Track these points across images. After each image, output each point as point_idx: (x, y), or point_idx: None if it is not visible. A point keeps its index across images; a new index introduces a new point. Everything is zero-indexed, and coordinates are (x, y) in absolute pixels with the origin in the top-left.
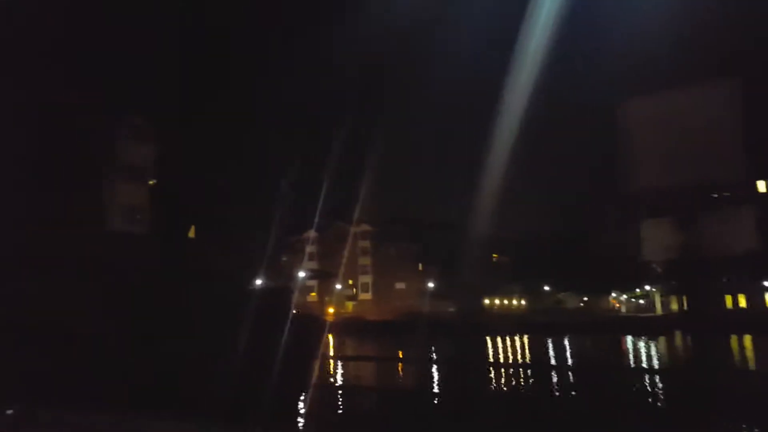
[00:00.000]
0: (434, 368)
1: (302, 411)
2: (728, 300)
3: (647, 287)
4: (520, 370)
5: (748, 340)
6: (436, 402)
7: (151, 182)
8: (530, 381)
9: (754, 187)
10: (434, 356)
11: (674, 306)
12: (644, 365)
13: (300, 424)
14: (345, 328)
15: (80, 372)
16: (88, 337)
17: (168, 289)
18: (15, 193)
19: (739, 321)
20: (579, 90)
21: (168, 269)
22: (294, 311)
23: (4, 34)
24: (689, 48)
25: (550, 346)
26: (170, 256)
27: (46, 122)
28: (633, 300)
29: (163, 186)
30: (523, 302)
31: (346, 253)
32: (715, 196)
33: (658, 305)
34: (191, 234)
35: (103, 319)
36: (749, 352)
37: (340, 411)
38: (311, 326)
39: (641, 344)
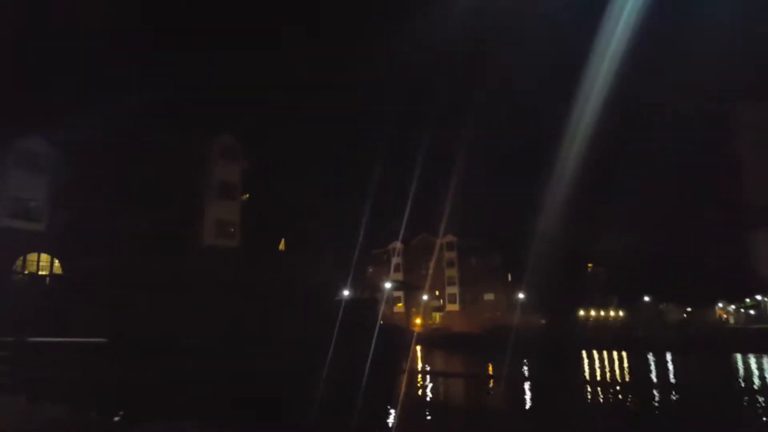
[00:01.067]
0: (526, 387)
1: (390, 426)
2: None
3: (758, 297)
4: (618, 389)
5: None
6: (527, 424)
7: (243, 197)
8: (628, 401)
9: None
10: (525, 374)
11: None
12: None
13: None
14: (432, 340)
15: (180, 384)
16: (188, 349)
17: (260, 302)
18: (117, 211)
19: None
20: (687, 94)
21: (259, 281)
22: (381, 322)
23: (102, 63)
24: None
25: (652, 364)
26: (261, 269)
27: (146, 143)
28: (742, 310)
29: (253, 201)
30: (620, 314)
31: (432, 264)
32: None
33: None
34: (281, 247)
35: (199, 332)
36: None
37: (427, 428)
38: (398, 337)
39: (754, 362)
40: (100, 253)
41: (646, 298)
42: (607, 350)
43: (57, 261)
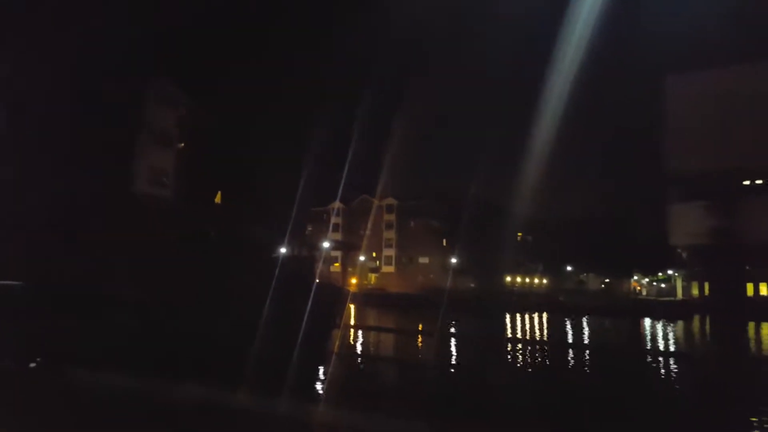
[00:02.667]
0: (453, 342)
1: (321, 378)
2: (750, 288)
3: (670, 271)
4: (537, 347)
5: (766, 327)
6: (453, 375)
7: (179, 146)
8: (546, 359)
9: None
10: (454, 331)
11: (695, 291)
12: (659, 348)
13: (319, 392)
14: (367, 299)
15: (106, 335)
16: (117, 300)
17: (193, 253)
18: (44, 155)
19: (760, 309)
20: (621, 65)
21: (193, 232)
22: (317, 280)
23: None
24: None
25: (569, 325)
26: (196, 220)
27: (74, 85)
28: (655, 284)
29: (190, 150)
30: (544, 281)
31: (370, 225)
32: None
33: (679, 290)
34: (217, 199)
35: (130, 283)
36: (766, 339)
37: (359, 380)
38: (333, 295)
39: (659, 327)
40: (23, 194)
41: (569, 268)
42: (530, 313)
43: None
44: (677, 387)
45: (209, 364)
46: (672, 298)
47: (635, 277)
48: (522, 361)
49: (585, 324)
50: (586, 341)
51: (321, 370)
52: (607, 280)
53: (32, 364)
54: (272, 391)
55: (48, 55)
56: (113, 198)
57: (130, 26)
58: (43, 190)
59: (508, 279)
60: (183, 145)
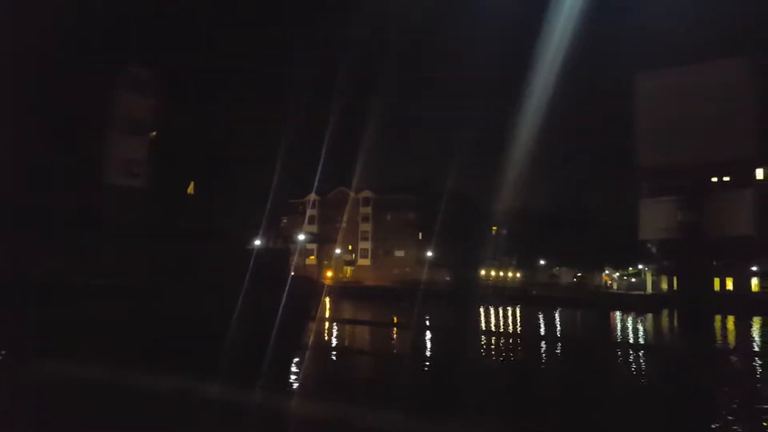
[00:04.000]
0: (427, 335)
1: (295, 370)
2: (716, 283)
3: (640, 266)
4: (510, 339)
5: (730, 321)
6: (425, 367)
7: (151, 135)
8: (518, 350)
9: (755, 173)
10: (428, 323)
11: (664, 286)
12: (628, 340)
13: (292, 383)
14: (342, 292)
15: (75, 324)
16: (84, 289)
17: (164, 244)
18: (14, 142)
19: (725, 303)
20: (594, 62)
21: (166, 223)
22: (292, 273)
23: None
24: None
25: (541, 318)
26: (169, 211)
27: (44, 69)
28: (625, 278)
29: (163, 140)
30: (518, 275)
31: (346, 218)
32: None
33: (649, 284)
34: (190, 190)
35: (98, 272)
36: (730, 333)
37: (332, 372)
38: (308, 288)
39: (629, 321)
40: None
41: (542, 262)
42: (503, 306)
43: None
44: (642, 379)
45: (181, 354)
46: (642, 292)
47: (606, 272)
48: (493, 352)
49: (556, 317)
50: (556, 334)
51: (295, 361)
52: (579, 274)
53: None
54: (245, 381)
55: (19, 33)
56: (82, 185)
57: (105, 9)
58: (12, 176)
59: (483, 272)
60: (155, 134)
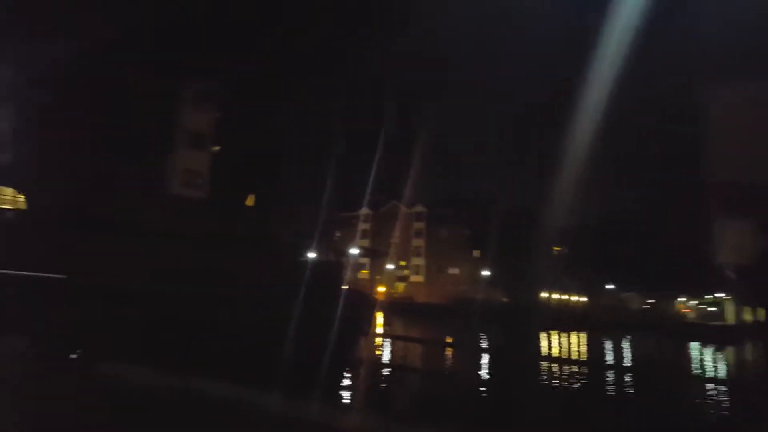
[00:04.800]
0: (483, 356)
1: (347, 384)
2: None
3: (719, 294)
4: (574, 366)
5: None
6: (481, 389)
7: (213, 148)
8: (583, 378)
9: None
10: (484, 344)
11: (748, 316)
12: (707, 373)
13: (344, 398)
14: (394, 307)
15: (140, 328)
16: (146, 295)
17: (221, 252)
18: (82, 156)
19: None
20: (662, 73)
21: (226, 234)
22: (345, 287)
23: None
24: None
25: (609, 345)
26: (228, 222)
27: (117, 81)
28: (702, 306)
29: (224, 153)
30: (583, 299)
31: (399, 233)
32: None
33: (730, 314)
34: (249, 202)
35: (163, 279)
36: None
37: (384, 388)
38: (361, 302)
39: (707, 352)
40: (64, 191)
41: (610, 286)
42: (566, 331)
43: (22, 196)
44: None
45: (236, 363)
46: (721, 323)
47: (681, 299)
48: (553, 379)
49: (624, 344)
50: (623, 362)
51: (347, 375)
52: (651, 301)
53: (73, 355)
54: (298, 394)
55: (88, 49)
56: (145, 195)
57: (168, 26)
58: (80, 189)
59: (543, 294)
60: (216, 147)
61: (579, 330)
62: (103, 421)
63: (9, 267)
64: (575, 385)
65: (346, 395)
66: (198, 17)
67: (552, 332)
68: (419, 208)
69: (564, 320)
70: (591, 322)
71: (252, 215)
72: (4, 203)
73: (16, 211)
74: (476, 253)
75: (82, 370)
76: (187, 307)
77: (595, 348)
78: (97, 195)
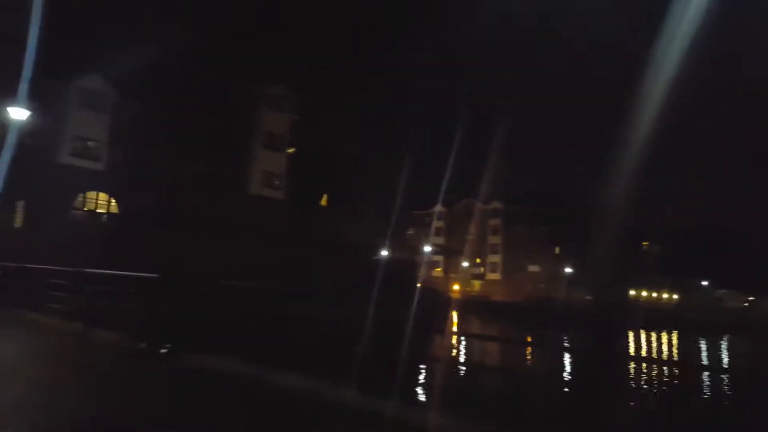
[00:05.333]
0: (566, 356)
1: (422, 382)
2: None
3: None
4: (665, 367)
5: None
6: (564, 390)
7: (289, 150)
8: (674, 380)
9: None
10: (566, 344)
11: None
12: None
13: (421, 395)
14: (470, 306)
15: (225, 323)
16: (234, 290)
17: (298, 251)
18: (171, 155)
19: None
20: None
21: (303, 233)
22: (419, 284)
23: (164, 7)
24: None
25: (703, 346)
26: (305, 221)
27: (200, 90)
28: None
29: (299, 155)
30: (674, 297)
31: (474, 230)
32: None
33: None
34: (323, 202)
35: (245, 275)
36: None
37: (461, 387)
38: (436, 300)
39: None
40: (154, 194)
41: (704, 282)
42: (655, 331)
43: (114, 200)
44: None
45: (314, 357)
46: None
47: None
48: (642, 380)
49: (721, 346)
50: (722, 364)
51: (423, 373)
52: (751, 299)
53: (163, 350)
54: (374, 390)
55: (174, 60)
56: (230, 198)
57: (248, 35)
58: (168, 192)
59: (632, 292)
60: (293, 149)
61: (669, 329)
62: (188, 409)
63: (104, 266)
64: (665, 388)
65: (421, 392)
66: (275, 25)
67: (640, 331)
68: (495, 205)
69: (653, 319)
70: (683, 321)
71: (327, 215)
72: (100, 208)
73: (110, 215)
74: (557, 250)
75: (172, 362)
76: (267, 303)
77: (687, 349)
78: (184, 197)
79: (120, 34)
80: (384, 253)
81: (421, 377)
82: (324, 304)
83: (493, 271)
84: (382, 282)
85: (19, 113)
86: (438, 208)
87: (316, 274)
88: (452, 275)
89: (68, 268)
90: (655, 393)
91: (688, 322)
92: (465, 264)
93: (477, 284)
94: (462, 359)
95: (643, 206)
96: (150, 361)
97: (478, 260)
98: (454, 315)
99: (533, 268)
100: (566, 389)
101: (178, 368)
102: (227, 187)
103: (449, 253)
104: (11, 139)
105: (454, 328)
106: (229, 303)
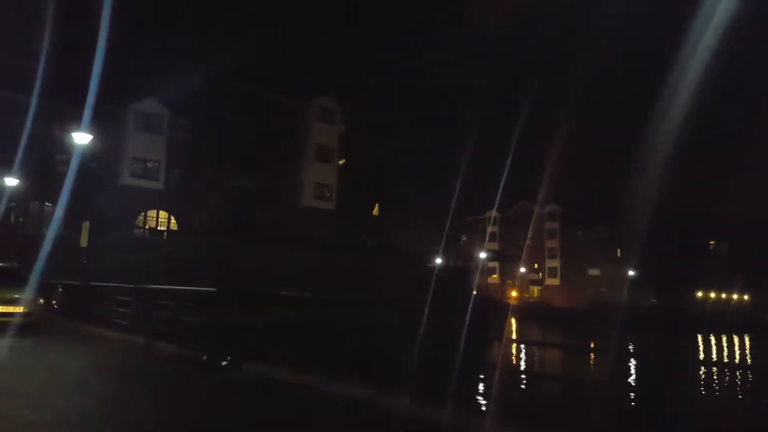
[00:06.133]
0: (631, 363)
1: (481, 391)
2: None
3: None
4: (737, 372)
5: None
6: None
7: (339, 162)
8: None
9: None
10: (631, 350)
11: None
12: None
13: (480, 404)
14: (529, 312)
15: (280, 332)
16: (289, 300)
17: (351, 260)
18: (225, 171)
19: None
20: None
21: (355, 242)
22: (475, 292)
23: (212, 27)
24: None
25: None
26: (356, 231)
27: (250, 105)
28: None
29: (349, 165)
30: (746, 297)
31: (530, 234)
32: None
33: None
34: (375, 211)
35: (300, 285)
36: None
37: (522, 396)
38: (492, 308)
39: None
40: (210, 209)
41: None
42: (726, 334)
43: (173, 217)
44: None
45: (370, 364)
46: None
47: None
48: (716, 387)
49: None
50: None
51: (482, 383)
52: None
53: (224, 362)
54: (433, 399)
55: (222, 74)
56: (283, 210)
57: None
58: (224, 207)
59: (699, 294)
60: (343, 161)
61: (742, 332)
62: (246, 417)
63: (164, 282)
64: (739, 396)
65: (479, 401)
66: (324, 39)
67: (710, 335)
68: (552, 207)
69: (724, 322)
70: (756, 323)
71: (379, 224)
72: (160, 225)
73: (169, 232)
74: (619, 253)
75: (232, 372)
76: (322, 312)
77: (759, 352)
78: (238, 211)
79: (172, 53)
80: (438, 260)
81: (478, 385)
82: (378, 313)
83: (552, 276)
84: (435, 290)
85: (82, 138)
86: (492, 213)
87: (370, 282)
88: (509, 281)
89: (131, 285)
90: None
91: (762, 325)
92: (522, 270)
93: (535, 290)
94: (521, 366)
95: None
96: (211, 372)
97: (536, 265)
98: (512, 322)
99: (593, 272)
100: (631, 397)
101: (238, 379)
102: (280, 199)
103: (505, 258)
104: (75, 163)
105: (513, 336)
106: (286, 313)
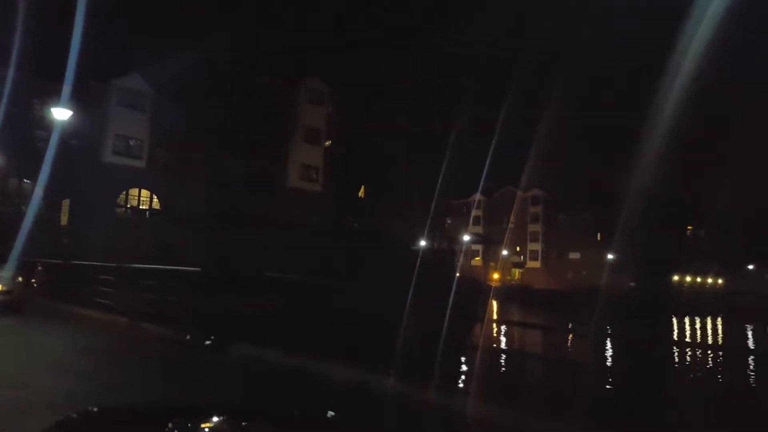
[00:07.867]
0: (609, 344)
1: (464, 370)
2: None
3: None
4: (709, 353)
5: None
6: (608, 377)
7: (326, 143)
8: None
9: None
10: (608, 332)
11: None
12: None
13: (462, 383)
14: (510, 295)
15: (266, 314)
16: (275, 283)
17: (338, 243)
18: (210, 151)
19: None
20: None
21: (341, 224)
22: (458, 274)
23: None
24: None
25: (750, 331)
26: (343, 213)
27: (237, 87)
28: None
29: (336, 147)
30: (720, 282)
31: (514, 218)
32: None
33: None
34: (361, 194)
35: (286, 267)
36: None
37: (503, 375)
38: (475, 290)
39: None
40: (195, 189)
41: (751, 267)
42: (700, 317)
43: (156, 197)
44: None
45: (354, 346)
46: None
47: None
48: (688, 366)
49: None
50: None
51: (463, 362)
52: None
53: (207, 342)
54: (416, 379)
55: (211, 56)
56: (269, 192)
57: (281, 28)
58: (208, 187)
59: (675, 278)
60: (330, 142)
61: (715, 316)
62: (232, 394)
63: (148, 261)
64: (717, 376)
65: (462, 381)
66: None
67: (685, 318)
68: (535, 192)
69: (700, 305)
70: (731, 306)
71: (364, 206)
72: (142, 204)
73: (152, 211)
74: (599, 237)
75: (216, 353)
76: (307, 294)
77: (736, 336)
78: (223, 191)
79: (157, 33)
80: (423, 243)
81: (462, 365)
82: (362, 295)
83: (534, 259)
84: (420, 271)
85: (61, 113)
86: (477, 196)
87: (354, 264)
88: (492, 264)
89: (113, 264)
90: (697, 379)
91: (736, 308)
92: (504, 253)
93: (517, 273)
94: (502, 346)
95: (687, 190)
96: (194, 352)
97: (518, 248)
98: (494, 304)
99: (574, 256)
100: (609, 377)
101: (221, 359)
102: (266, 180)
103: (488, 241)
104: (55, 139)
105: (494, 317)
106: (271, 295)
